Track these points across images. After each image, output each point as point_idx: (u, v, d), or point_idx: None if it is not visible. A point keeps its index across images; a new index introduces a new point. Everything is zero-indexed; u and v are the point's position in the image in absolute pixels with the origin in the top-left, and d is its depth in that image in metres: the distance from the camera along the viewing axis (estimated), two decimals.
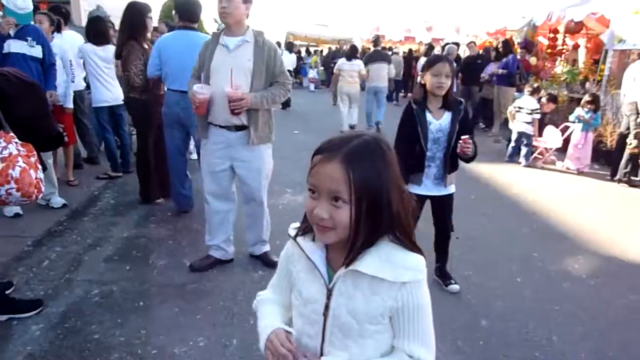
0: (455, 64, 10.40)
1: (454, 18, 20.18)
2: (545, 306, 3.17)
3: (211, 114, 3.06)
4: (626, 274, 3.70)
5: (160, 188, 4.69)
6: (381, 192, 0.99)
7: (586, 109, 6.83)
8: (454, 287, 3.25)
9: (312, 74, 18.60)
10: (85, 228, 4.11)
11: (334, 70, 9.57)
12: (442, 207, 3.15)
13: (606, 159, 7.38)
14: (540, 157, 7.43)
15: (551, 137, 7.33)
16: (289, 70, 15.38)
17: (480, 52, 11.20)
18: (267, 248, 3.55)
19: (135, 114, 4.48)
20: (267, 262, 3.47)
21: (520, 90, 9.81)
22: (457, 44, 13.42)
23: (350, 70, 8.94)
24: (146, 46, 4.30)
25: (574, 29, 10.71)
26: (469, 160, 2.91)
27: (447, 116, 2.93)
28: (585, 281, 3.56)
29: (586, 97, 7.00)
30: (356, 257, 1.02)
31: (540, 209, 5.16)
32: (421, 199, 3.00)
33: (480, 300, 3.20)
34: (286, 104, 11.83)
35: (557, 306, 3.17)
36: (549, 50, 12.39)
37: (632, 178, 6.32)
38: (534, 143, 7.34)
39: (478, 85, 10.19)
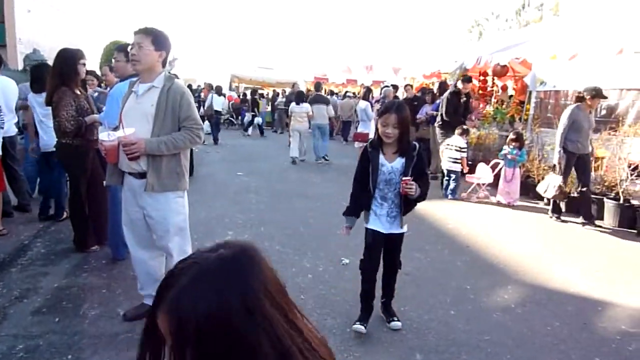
0: None
1: (393, 60, 21.19)
2: (477, 337, 3.30)
3: (120, 161, 3.04)
4: (551, 302, 3.92)
5: (95, 235, 4.56)
6: (228, 334, 0.73)
7: (511, 147, 7.30)
8: (396, 324, 3.33)
9: (256, 119, 17.91)
10: (12, 279, 3.91)
11: (289, 112, 11.43)
12: (394, 244, 3.28)
13: (534, 192, 7.85)
14: (474, 193, 7.81)
15: (483, 173, 7.75)
16: (217, 111, 15.61)
17: (418, 94, 11.76)
18: None
19: (67, 160, 4.38)
20: None
21: None
22: (396, 86, 14.06)
23: (300, 112, 10.90)
24: (78, 92, 4.27)
25: (501, 72, 11.52)
26: (417, 200, 3.09)
27: (400, 159, 3.08)
28: (514, 310, 3.74)
29: (511, 136, 7.49)
30: None
31: (474, 242, 5.40)
32: (376, 235, 3.17)
33: (416, 334, 3.28)
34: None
35: (488, 336, 3.31)
36: (480, 92, 13.23)
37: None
38: (467, 179, 7.73)
39: (415, 125, 10.65)
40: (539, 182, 7.78)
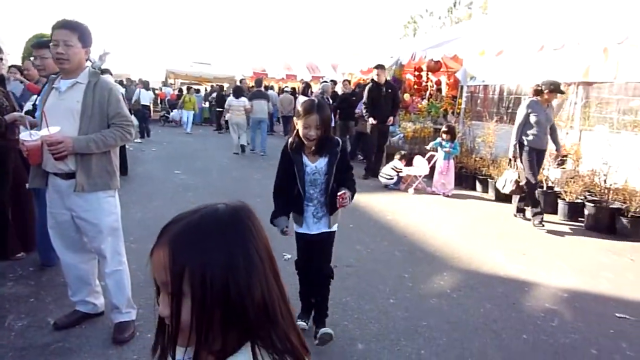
0: (332, 101, 11.03)
1: (331, 56, 21.38)
2: (415, 323, 3.43)
3: (44, 161, 2.86)
4: (483, 286, 4.13)
5: (20, 241, 4.30)
6: (226, 281, 0.78)
7: (444, 139, 7.62)
8: (325, 330, 3.07)
9: (183, 116, 17.44)
10: None
11: (225, 106, 12.13)
12: (322, 245, 3.10)
13: (467, 183, 8.23)
14: (412, 184, 8.07)
15: (419, 165, 8.02)
16: (145, 105, 15.35)
17: (355, 89, 11.94)
18: (122, 317, 3.09)
19: None
20: (115, 338, 3.00)
21: (392, 124, 10.61)
22: (335, 82, 14.21)
23: (238, 106, 11.54)
24: None
25: (434, 67, 11.92)
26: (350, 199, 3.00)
27: (323, 159, 2.94)
28: (449, 295, 3.92)
29: (443, 129, 7.80)
30: None
31: (411, 232, 5.58)
32: (305, 238, 3.07)
33: (357, 325, 3.36)
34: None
35: (425, 321, 3.44)
36: (415, 87, 13.65)
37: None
38: (405, 172, 7.98)
39: (354, 120, 10.83)
40: (472, 172, 8.18)
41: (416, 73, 13.72)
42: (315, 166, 2.95)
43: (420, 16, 26.18)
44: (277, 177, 3.06)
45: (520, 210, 6.49)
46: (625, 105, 6.69)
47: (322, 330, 3.06)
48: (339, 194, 2.87)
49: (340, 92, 12.67)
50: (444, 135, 7.66)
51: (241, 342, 0.80)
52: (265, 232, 0.90)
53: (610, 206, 5.87)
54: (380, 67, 8.92)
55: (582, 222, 6.13)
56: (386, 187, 8.04)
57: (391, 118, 8.96)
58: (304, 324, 3.21)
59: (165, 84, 22.47)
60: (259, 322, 0.80)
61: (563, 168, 6.72)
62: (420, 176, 7.99)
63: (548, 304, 3.81)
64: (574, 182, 6.37)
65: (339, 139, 3.06)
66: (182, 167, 9.37)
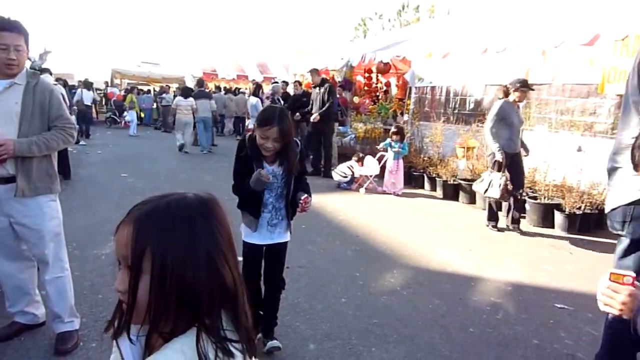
0: (283, 101, 11.02)
1: (283, 57, 21.34)
2: (367, 321, 3.46)
3: None
4: (432, 282, 4.23)
5: None
6: (185, 266, 0.80)
7: (393, 140, 7.77)
8: (273, 343, 2.98)
9: (129, 116, 16.98)
10: None
11: (173, 105, 12.86)
12: (276, 256, 2.99)
13: (416, 182, 8.42)
14: (363, 184, 8.17)
15: (370, 165, 8.13)
16: (87, 105, 15.15)
17: (307, 90, 11.96)
18: (64, 327, 2.96)
19: None
20: (57, 350, 2.87)
21: (342, 124, 10.73)
22: (287, 82, 14.20)
23: (186, 105, 12.13)
24: None
25: (383, 69, 12.13)
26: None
27: (280, 161, 2.79)
28: (400, 292, 3.99)
29: (392, 129, 7.96)
30: (153, 348, 0.84)
31: (363, 232, 5.65)
32: (254, 248, 2.89)
33: (309, 325, 3.36)
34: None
35: (376, 319, 3.49)
36: (365, 88, 13.84)
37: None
38: (357, 172, 8.08)
39: (306, 120, 10.85)
40: (421, 171, 8.37)
41: (366, 75, 13.93)
42: (273, 169, 2.78)
43: (370, 19, 26.59)
44: (234, 181, 2.86)
45: (516, 221, 5.94)
46: (563, 105, 7.04)
47: (271, 343, 2.96)
48: (302, 198, 2.76)
49: (292, 92, 12.69)
50: (394, 136, 7.81)
51: (189, 325, 0.83)
52: (229, 226, 0.92)
53: (550, 202, 6.16)
54: (311, 70, 9.45)
55: (524, 218, 6.40)
56: (338, 187, 8.11)
57: (317, 116, 9.13)
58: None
59: (110, 84, 21.68)
60: (211, 309, 0.83)
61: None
62: (371, 176, 8.10)
63: (493, 298, 3.95)
64: None
65: (297, 140, 2.95)
66: (129, 170, 9.08)
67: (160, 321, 0.80)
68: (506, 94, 5.76)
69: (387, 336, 3.25)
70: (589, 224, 5.88)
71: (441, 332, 3.35)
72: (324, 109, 9.04)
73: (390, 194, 7.80)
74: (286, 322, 3.35)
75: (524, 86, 5.66)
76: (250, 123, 9.91)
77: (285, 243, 2.99)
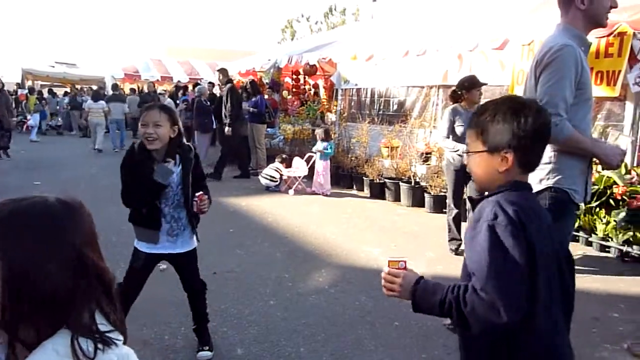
0: (210, 103, 10.79)
1: (210, 58, 20.92)
2: (295, 322, 3.48)
3: None
4: (359, 279, 4.32)
5: None
6: (36, 270, 0.77)
7: (323, 142, 7.87)
8: (205, 354, 2.92)
9: (32, 120, 15.88)
10: None
11: (85, 108, 13.78)
12: (188, 263, 2.87)
13: (344, 182, 8.58)
14: (291, 186, 8.19)
15: (299, 166, 8.18)
16: None
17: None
18: None
19: None
20: None
21: (271, 126, 10.71)
22: (213, 84, 13.94)
23: (96, 108, 12.86)
24: None
25: (310, 71, 12.23)
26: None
27: (175, 167, 2.65)
28: (328, 291, 4.04)
29: (321, 134, 8.04)
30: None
31: (292, 233, 5.67)
32: (152, 258, 2.75)
33: (236, 330, 3.32)
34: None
35: (305, 319, 3.51)
36: (294, 90, 13.89)
37: None
38: (285, 173, 8.10)
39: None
40: (348, 171, 8.53)
41: (294, 76, 13.98)
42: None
43: (297, 20, 26.73)
44: (124, 190, 2.65)
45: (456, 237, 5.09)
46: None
47: (201, 354, 2.91)
48: (197, 194, 2.62)
49: (218, 94, 12.47)
50: (323, 138, 7.91)
51: (56, 327, 0.80)
52: (95, 229, 0.91)
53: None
54: (220, 69, 9.49)
55: (445, 213, 6.69)
56: (267, 190, 8.07)
57: (228, 129, 9.15)
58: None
59: (21, 85, 20.20)
60: (78, 308, 0.81)
61: (428, 164, 7.29)
62: (299, 177, 8.14)
63: None
64: (437, 177, 6.93)
65: (191, 145, 2.83)
66: (43, 177, 8.51)
67: (17, 328, 0.78)
68: (455, 98, 4.98)
69: (315, 335, 3.28)
70: None
71: (367, 327, 3.43)
72: (230, 114, 9.04)
73: (319, 194, 7.88)
74: (213, 329, 3.27)
75: (472, 86, 4.82)
76: None
77: (193, 250, 2.85)
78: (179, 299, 3.71)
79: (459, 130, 4.80)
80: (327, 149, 7.84)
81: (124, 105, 13.62)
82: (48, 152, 12.20)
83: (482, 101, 4.77)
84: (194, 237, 2.85)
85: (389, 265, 1.45)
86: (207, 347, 2.94)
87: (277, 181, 8.03)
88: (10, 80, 20.57)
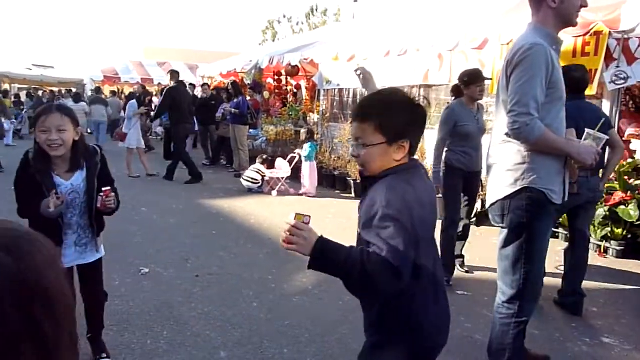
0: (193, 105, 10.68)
1: (190, 60, 20.75)
2: (279, 323, 3.46)
3: None
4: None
5: None
6: None
7: (308, 143, 7.88)
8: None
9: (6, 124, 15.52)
10: None
11: None
12: (93, 273, 2.76)
13: (328, 182, 8.58)
14: (275, 187, 8.17)
15: (282, 167, 8.15)
16: None
17: (213, 93, 11.71)
18: None
19: None
20: None
21: (254, 127, 10.66)
22: (194, 85, 13.83)
23: (77, 110, 11.88)
24: None
25: (292, 71, 12.22)
26: (111, 212, 2.58)
27: (79, 173, 2.51)
28: (311, 292, 4.03)
29: (305, 134, 8.04)
30: None
31: (275, 234, 5.63)
32: (66, 272, 2.62)
33: (219, 333, 3.28)
34: None
35: (288, 320, 3.49)
36: (276, 91, 13.87)
37: None
38: (268, 174, 8.07)
39: (215, 124, 10.65)
40: (331, 171, 8.54)
41: (276, 77, 13.96)
42: (72, 184, 2.48)
43: (278, 21, 26.71)
44: (19, 205, 2.45)
45: (459, 256, 4.61)
46: None
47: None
48: (104, 189, 2.45)
49: (199, 96, 12.37)
50: (308, 140, 7.94)
51: None
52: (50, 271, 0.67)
53: None
54: (170, 71, 9.28)
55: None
56: (250, 191, 8.02)
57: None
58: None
59: None
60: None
61: None
62: (283, 178, 8.12)
63: None
64: None
65: (97, 147, 2.66)
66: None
67: None
68: (457, 92, 4.50)
69: (299, 336, 3.27)
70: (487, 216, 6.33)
71: (351, 327, 3.42)
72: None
73: (303, 194, 7.86)
74: (195, 332, 3.25)
75: (471, 81, 4.23)
76: (124, 127, 9.31)
77: (100, 260, 2.76)
78: (161, 303, 3.69)
79: (464, 130, 4.20)
80: (309, 150, 7.84)
81: (107, 108, 14.02)
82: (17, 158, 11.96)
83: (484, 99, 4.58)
84: (102, 246, 2.75)
85: (295, 218, 1.51)
86: (105, 355, 2.85)
87: (259, 183, 7.99)
88: None
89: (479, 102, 4.45)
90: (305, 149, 7.87)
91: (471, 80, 4.24)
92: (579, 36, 5.39)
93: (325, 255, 1.48)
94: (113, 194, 2.49)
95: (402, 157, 1.54)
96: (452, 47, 6.97)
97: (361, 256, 1.43)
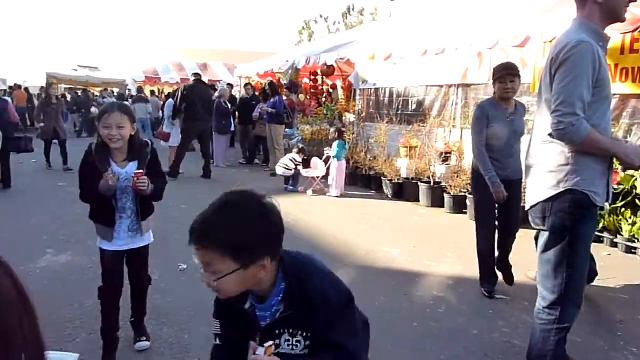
0: (230, 105, 10.89)
1: (226, 59, 21.09)
2: None
3: None
4: (378, 279, 4.31)
5: None
6: None
7: (337, 142, 7.89)
8: (143, 344, 3.04)
9: None
10: None
11: None
12: (141, 259, 2.97)
13: (363, 182, 8.56)
14: (310, 186, 8.20)
15: (317, 167, 8.19)
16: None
17: (257, 93, 11.87)
18: None
19: None
20: None
21: (290, 127, 10.74)
22: (232, 85, 14.05)
23: None
24: None
25: (328, 71, 12.24)
26: (154, 198, 2.83)
27: (133, 164, 2.75)
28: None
29: (334, 133, 8.06)
30: None
31: (310, 233, 5.67)
32: (117, 257, 2.83)
33: None
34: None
35: None
36: (312, 90, 13.92)
37: None
38: (303, 174, 8.12)
39: (252, 124, 10.79)
40: (367, 171, 8.51)
41: (312, 77, 14.01)
42: (126, 172, 2.72)
43: (314, 21, 26.78)
44: (81, 188, 2.76)
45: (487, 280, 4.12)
46: None
47: (139, 345, 3.03)
48: (135, 172, 2.65)
49: (238, 96, 12.57)
50: (337, 139, 7.95)
51: None
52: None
53: None
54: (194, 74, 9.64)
55: (465, 213, 6.62)
56: (285, 190, 8.08)
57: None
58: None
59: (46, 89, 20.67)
60: None
61: (447, 164, 7.22)
62: (318, 177, 8.14)
63: (436, 292, 4.06)
64: (457, 176, 6.86)
65: (148, 141, 2.91)
66: (66, 179, 8.67)
67: None
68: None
69: None
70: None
71: (386, 328, 3.40)
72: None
73: (337, 195, 7.87)
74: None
75: (495, 77, 3.79)
76: (164, 127, 9.66)
77: (147, 246, 2.96)
78: (198, 299, 3.76)
79: (490, 131, 3.75)
80: (337, 149, 7.83)
81: (148, 106, 14.97)
82: (73, 154, 12.43)
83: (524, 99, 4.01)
84: (149, 233, 2.95)
85: (265, 353, 1.31)
86: (145, 338, 3.07)
87: (291, 170, 7.99)
88: (35, 84, 21.07)
89: (519, 101, 4.05)
90: (334, 148, 7.87)
91: (494, 76, 3.82)
92: (628, 32, 5.17)
93: None
94: (145, 177, 2.67)
95: (268, 271, 1.36)
96: (492, 45, 6.81)
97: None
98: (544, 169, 2.32)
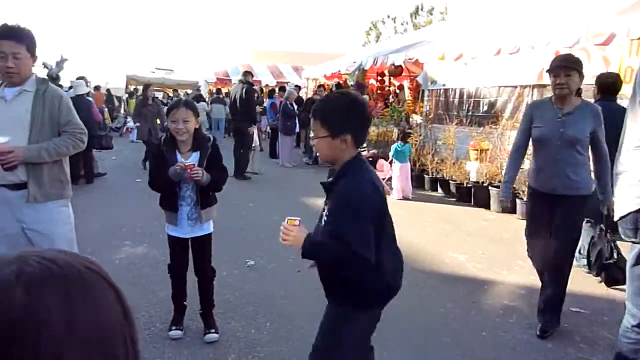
0: (295, 106, 11.06)
1: (294, 60, 21.42)
2: (378, 326, 3.43)
3: None
4: (444, 285, 4.20)
5: None
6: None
7: (399, 143, 7.77)
8: (211, 336, 3.17)
9: (131, 123, 16.88)
10: None
11: None
12: (201, 248, 3.17)
13: (429, 184, 8.38)
14: None
15: (383, 169, 8.12)
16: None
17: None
18: None
19: None
20: None
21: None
22: (299, 87, 14.26)
23: (199, 108, 13.26)
24: None
25: (395, 72, 12.10)
26: (212, 189, 3.06)
27: (195, 154, 3.01)
28: (410, 297, 3.95)
29: (398, 135, 7.94)
30: None
31: None
32: (181, 243, 3.10)
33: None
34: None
35: (386, 325, 3.46)
36: (378, 91, 13.82)
37: None
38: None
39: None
40: (435, 174, 8.32)
41: (379, 78, 13.91)
42: (190, 161, 2.97)
43: (382, 22, 26.59)
44: (150, 176, 3.06)
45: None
46: None
47: (208, 337, 3.16)
48: (187, 163, 2.86)
49: (304, 97, 12.72)
50: (400, 141, 7.84)
51: None
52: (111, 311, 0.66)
53: None
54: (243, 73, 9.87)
55: None
56: None
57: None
58: (178, 332, 3.20)
59: (126, 90, 21.99)
60: None
61: (521, 168, 6.88)
62: (383, 179, 8.07)
63: (506, 301, 3.90)
64: None
65: (210, 136, 3.16)
66: (144, 176, 9.16)
67: None
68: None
69: (400, 339, 3.23)
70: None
71: (453, 335, 3.31)
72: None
73: (403, 197, 7.76)
74: (297, 325, 3.36)
75: (556, 65, 3.14)
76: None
77: (209, 235, 3.16)
78: (266, 295, 3.85)
79: (533, 133, 3.30)
80: (393, 150, 7.72)
81: (224, 107, 15.37)
82: (130, 154, 13.14)
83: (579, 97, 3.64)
84: (210, 222, 3.15)
85: (287, 222, 1.93)
86: (214, 330, 3.20)
87: None
88: (116, 85, 22.48)
89: (589, 102, 3.45)
90: (392, 151, 7.77)
91: (549, 68, 3.19)
92: None
93: (313, 247, 1.89)
94: (198, 168, 2.88)
95: (346, 147, 1.89)
96: (572, 44, 6.43)
97: (338, 247, 1.83)
98: (636, 176, 2.15)
